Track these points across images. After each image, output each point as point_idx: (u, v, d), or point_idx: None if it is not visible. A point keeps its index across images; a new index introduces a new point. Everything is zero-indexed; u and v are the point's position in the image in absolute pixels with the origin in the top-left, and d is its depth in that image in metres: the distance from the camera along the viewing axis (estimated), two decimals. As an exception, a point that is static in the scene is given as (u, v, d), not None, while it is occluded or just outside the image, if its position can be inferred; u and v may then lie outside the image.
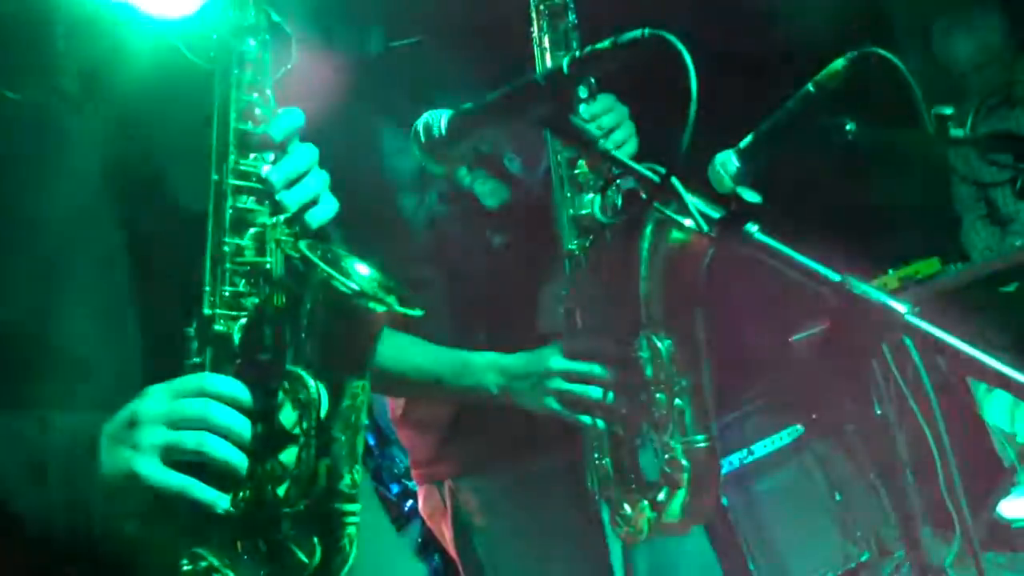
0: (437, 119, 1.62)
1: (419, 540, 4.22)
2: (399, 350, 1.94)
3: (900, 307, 1.22)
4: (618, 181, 1.97)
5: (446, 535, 2.18)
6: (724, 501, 3.93)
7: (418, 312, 1.43)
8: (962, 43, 3.97)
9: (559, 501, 2.06)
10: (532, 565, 2.09)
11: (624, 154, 1.44)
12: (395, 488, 4.45)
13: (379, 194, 2.07)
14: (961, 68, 4.01)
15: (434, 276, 2.08)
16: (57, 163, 1.41)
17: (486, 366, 1.99)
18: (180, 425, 1.28)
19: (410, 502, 4.41)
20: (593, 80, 1.97)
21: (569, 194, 1.99)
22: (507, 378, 1.97)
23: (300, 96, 1.52)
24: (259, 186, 1.41)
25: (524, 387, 1.95)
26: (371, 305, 1.40)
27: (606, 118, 2.01)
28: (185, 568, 1.31)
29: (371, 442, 4.34)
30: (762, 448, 4.24)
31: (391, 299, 1.44)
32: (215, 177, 1.40)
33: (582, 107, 1.98)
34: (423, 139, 1.63)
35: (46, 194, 1.38)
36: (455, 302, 2.09)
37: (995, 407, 3.90)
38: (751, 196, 1.31)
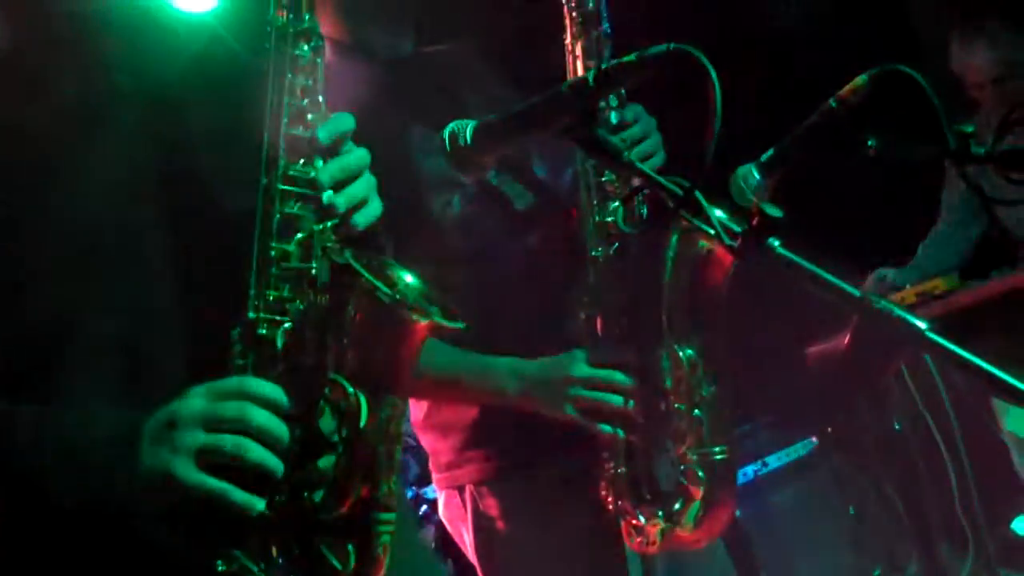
0: (463, 128, 1.62)
1: (432, 545, 4.23)
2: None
3: (920, 324, 1.23)
4: (643, 192, 1.99)
5: (467, 540, 2.18)
6: (737, 513, 3.92)
7: (460, 324, 1.43)
8: (982, 55, 3.92)
9: (580, 506, 2.05)
10: (552, 570, 2.09)
11: (652, 166, 1.45)
12: (409, 493, 4.46)
13: (408, 195, 2.06)
14: (979, 81, 3.97)
15: (461, 278, 2.08)
16: (106, 157, 1.41)
17: (507, 371, 2.00)
18: (218, 427, 1.28)
19: (424, 507, 4.42)
20: (623, 91, 1.98)
21: (595, 201, 2.00)
22: (527, 384, 1.98)
23: (330, 98, 1.52)
24: (308, 191, 1.39)
25: (544, 393, 1.96)
26: (414, 316, 1.39)
27: (634, 129, 2.02)
28: (220, 569, 1.31)
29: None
30: (776, 460, 4.23)
31: (434, 310, 1.43)
32: (264, 181, 1.38)
33: (612, 113, 1.99)
34: (449, 148, 1.64)
35: (94, 187, 1.38)
36: (482, 303, 2.09)
37: (1018, 417, 3.86)
38: (773, 211, 1.31)
